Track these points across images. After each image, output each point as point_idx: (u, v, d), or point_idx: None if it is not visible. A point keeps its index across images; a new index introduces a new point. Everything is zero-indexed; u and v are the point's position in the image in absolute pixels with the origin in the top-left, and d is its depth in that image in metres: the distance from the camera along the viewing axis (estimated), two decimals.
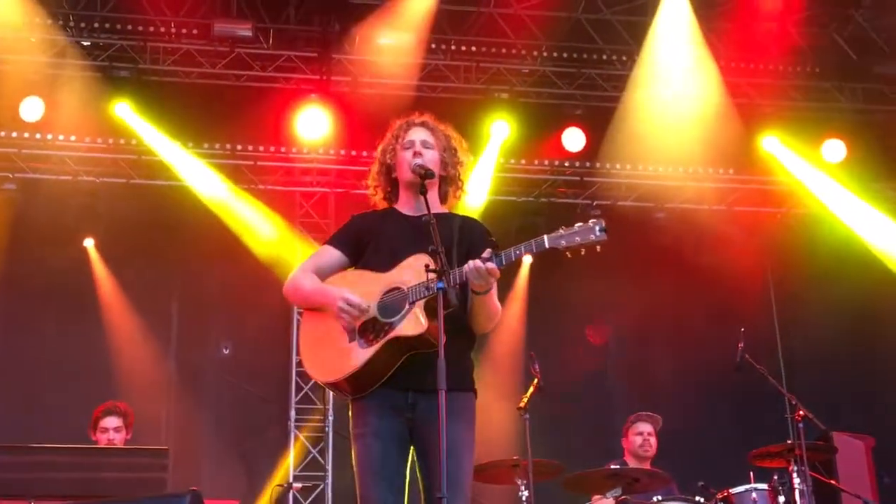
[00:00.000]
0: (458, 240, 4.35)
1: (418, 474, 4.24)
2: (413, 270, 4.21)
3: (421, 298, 4.16)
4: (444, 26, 10.11)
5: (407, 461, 4.25)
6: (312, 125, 10.10)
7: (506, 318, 10.62)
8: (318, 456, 10.34)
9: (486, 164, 10.52)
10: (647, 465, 7.99)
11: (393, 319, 4.21)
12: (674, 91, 10.33)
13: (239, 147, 10.42)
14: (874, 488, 8.93)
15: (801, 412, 7.12)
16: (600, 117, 10.57)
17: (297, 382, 10.44)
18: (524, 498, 6.95)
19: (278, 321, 10.43)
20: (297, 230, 10.73)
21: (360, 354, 4.21)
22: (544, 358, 7.29)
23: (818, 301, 11.04)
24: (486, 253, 4.11)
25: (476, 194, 10.48)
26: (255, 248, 10.36)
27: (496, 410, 8.24)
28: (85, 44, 9.83)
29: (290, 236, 10.67)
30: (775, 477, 7.18)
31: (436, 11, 9.72)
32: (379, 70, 10.12)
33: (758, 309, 11.24)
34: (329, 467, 10.29)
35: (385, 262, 4.35)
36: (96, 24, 9.80)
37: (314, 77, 10.19)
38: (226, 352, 10.66)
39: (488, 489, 8.81)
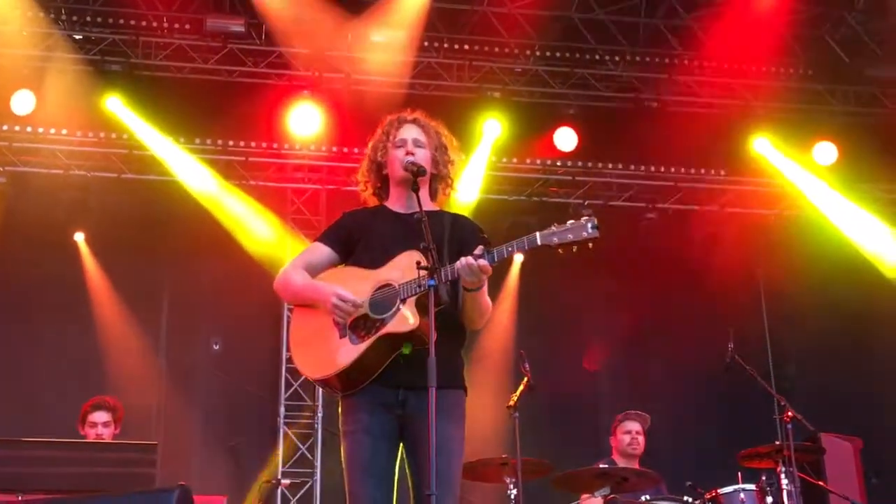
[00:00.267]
0: (449, 237, 4.35)
1: (407, 471, 4.24)
2: (405, 267, 4.21)
3: (412, 295, 4.16)
4: (437, 24, 10.10)
5: (396, 458, 4.25)
6: (304, 122, 10.10)
7: (496, 317, 10.63)
8: (306, 453, 10.34)
9: (478, 163, 10.52)
10: (635, 464, 8.00)
11: (384, 316, 4.21)
12: None
13: (231, 143, 10.41)
14: (862, 489, 8.96)
15: (789, 413, 7.14)
16: (592, 117, 10.59)
17: (286, 379, 10.44)
18: (513, 496, 6.95)
19: (269, 318, 10.43)
20: (288, 226, 10.72)
21: (351, 351, 4.21)
22: (534, 357, 7.29)
23: (808, 302, 11.07)
24: (478, 250, 4.11)
25: (468, 193, 10.49)
26: (246, 244, 10.34)
27: (486, 409, 8.23)
28: (77, 37, 9.81)
29: (281, 232, 10.66)
30: (763, 478, 7.19)
31: (429, 9, 9.72)
32: (371, 67, 10.11)
33: (748, 310, 11.27)
34: (318, 464, 10.29)
35: (376, 260, 4.35)
36: (88, 18, 9.77)
37: (307, 73, 10.19)
38: (216, 347, 10.65)
39: (477, 487, 8.81)
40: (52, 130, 9.98)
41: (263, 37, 10.02)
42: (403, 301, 4.19)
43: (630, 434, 8.13)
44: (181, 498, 4.04)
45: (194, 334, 10.70)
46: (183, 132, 10.16)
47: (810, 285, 10.89)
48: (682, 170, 11.05)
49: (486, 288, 4.26)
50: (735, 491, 7.10)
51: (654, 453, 8.35)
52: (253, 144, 10.46)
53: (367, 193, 4.69)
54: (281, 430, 10.37)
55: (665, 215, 11.27)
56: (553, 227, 4.12)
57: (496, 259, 4.12)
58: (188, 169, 10.27)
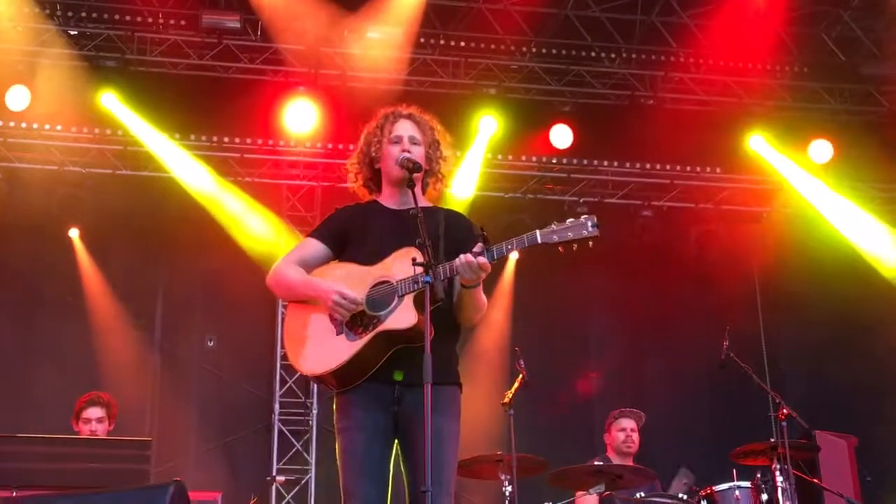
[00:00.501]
0: (443, 233, 4.34)
1: (402, 467, 4.24)
2: (401, 264, 4.20)
3: (410, 292, 4.15)
4: (433, 21, 10.09)
5: (391, 455, 4.24)
6: (300, 118, 10.09)
7: (491, 314, 10.63)
8: (301, 449, 10.34)
9: (474, 160, 10.52)
10: (629, 462, 8.01)
11: (381, 313, 4.20)
12: None
13: (226, 139, 10.38)
14: (857, 487, 8.97)
15: (784, 410, 7.16)
16: (588, 114, 10.60)
17: (281, 375, 10.42)
18: (508, 493, 6.95)
19: (263, 314, 10.42)
20: (283, 223, 10.70)
21: (348, 347, 4.20)
22: (529, 354, 7.29)
23: (803, 300, 11.08)
24: (478, 247, 4.10)
25: (463, 190, 10.48)
26: (241, 240, 10.32)
27: (481, 406, 8.24)
28: (72, 33, 9.78)
29: (276, 229, 10.64)
30: (758, 475, 7.21)
31: (425, 6, 9.71)
32: (367, 64, 10.09)
33: (743, 307, 11.27)
34: (312, 461, 10.28)
35: (371, 256, 4.34)
36: (83, 14, 9.74)
37: (302, 70, 10.18)
38: (210, 344, 10.64)
39: (472, 484, 8.83)
40: (47, 126, 9.95)
41: (259, 33, 10.00)
42: (401, 297, 4.18)
43: (625, 432, 8.14)
44: (176, 494, 4.05)
45: (189, 331, 10.68)
46: (178, 128, 10.14)
47: (806, 283, 10.90)
48: (678, 167, 11.05)
49: (482, 285, 4.25)
50: (730, 488, 7.11)
51: (649, 450, 8.36)
52: (248, 141, 10.43)
53: (356, 185, 4.67)
54: (276, 427, 10.36)
55: (660, 213, 11.26)
56: (553, 226, 4.11)
57: (495, 257, 4.11)
58: (183, 165, 10.24)
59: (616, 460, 7.95)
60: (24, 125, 9.88)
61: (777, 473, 7.10)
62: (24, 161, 10.17)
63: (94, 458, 5.76)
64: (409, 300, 4.15)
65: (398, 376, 4.19)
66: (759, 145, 10.86)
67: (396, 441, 4.26)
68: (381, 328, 4.18)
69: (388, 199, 4.55)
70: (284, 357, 10.05)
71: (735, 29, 10.10)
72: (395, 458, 4.27)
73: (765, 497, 7.05)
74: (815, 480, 8.04)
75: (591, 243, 4.07)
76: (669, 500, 7.25)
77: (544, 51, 10.47)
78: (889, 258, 11.15)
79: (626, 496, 7.07)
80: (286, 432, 10.38)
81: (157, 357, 10.49)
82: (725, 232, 11.27)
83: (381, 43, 9.96)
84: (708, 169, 11.11)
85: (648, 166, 11.03)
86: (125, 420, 7.71)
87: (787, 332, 11.37)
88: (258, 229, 10.55)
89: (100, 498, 4.42)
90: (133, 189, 10.32)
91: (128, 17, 9.77)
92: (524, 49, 10.43)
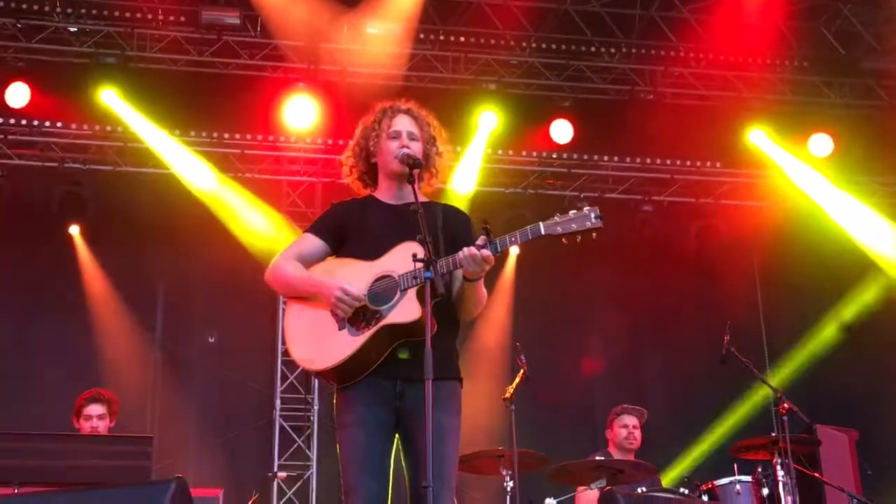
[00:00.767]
0: (442, 228, 4.35)
1: (403, 463, 4.24)
2: (401, 259, 4.19)
3: (412, 286, 4.15)
4: (432, 16, 10.09)
5: (392, 450, 4.24)
6: (300, 114, 10.08)
7: (492, 309, 10.64)
8: (302, 445, 10.34)
9: (474, 156, 10.51)
10: (631, 458, 8.01)
11: (384, 307, 4.20)
12: None
13: (226, 135, 10.38)
14: (857, 481, 8.98)
15: (785, 405, 7.15)
16: (588, 109, 10.59)
17: (282, 371, 10.44)
18: (509, 488, 6.96)
19: (264, 310, 10.41)
20: (284, 219, 10.70)
21: (351, 342, 4.19)
22: (530, 349, 7.30)
23: (804, 294, 11.08)
24: (481, 240, 4.11)
25: (464, 186, 10.48)
26: (241, 236, 10.32)
27: (482, 401, 8.25)
28: (72, 29, 9.78)
29: (276, 225, 10.64)
30: (759, 469, 7.21)
31: (424, 1, 9.70)
32: (367, 59, 10.09)
33: (744, 302, 11.27)
34: (314, 456, 10.29)
35: (370, 251, 4.33)
36: (83, 10, 9.74)
37: (302, 66, 10.17)
38: (211, 340, 10.64)
39: (473, 479, 8.83)
40: (48, 123, 9.96)
41: (258, 29, 10.00)
42: (404, 291, 4.17)
43: (627, 428, 8.12)
44: (178, 490, 4.04)
45: (189, 327, 10.69)
46: (178, 125, 10.13)
47: (806, 277, 10.90)
48: (678, 162, 11.05)
49: (482, 279, 4.25)
50: (731, 483, 7.12)
51: (650, 445, 8.36)
52: (248, 137, 10.43)
53: (350, 178, 4.66)
54: (277, 423, 10.37)
55: (661, 207, 11.26)
56: (556, 218, 4.12)
57: (499, 249, 4.12)
58: (183, 162, 10.24)
59: (617, 456, 7.94)
60: (24, 122, 9.88)
61: (778, 468, 7.11)
62: (24, 158, 10.19)
63: (95, 454, 5.76)
64: (412, 294, 4.15)
65: (403, 355, 4.17)
66: (760, 139, 10.86)
67: (397, 436, 4.26)
68: (384, 322, 4.17)
69: (385, 193, 4.55)
70: (285, 353, 10.04)
71: (735, 23, 10.10)
72: (395, 453, 4.27)
73: (766, 491, 7.06)
74: (816, 474, 8.05)
75: (594, 235, 4.08)
76: (671, 496, 7.25)
77: (544, 46, 10.47)
78: (890, 252, 11.15)
79: (628, 491, 7.06)
80: (287, 428, 10.38)
81: (158, 353, 10.50)
82: (726, 226, 11.27)
83: (380, 38, 9.95)
84: (708, 163, 11.11)
85: (649, 161, 11.04)
86: (126, 417, 7.71)
87: (788, 326, 11.36)
88: (259, 225, 10.55)
89: (101, 494, 4.42)
90: (133, 186, 10.32)
91: (127, 14, 9.78)
92: (524, 44, 10.43)
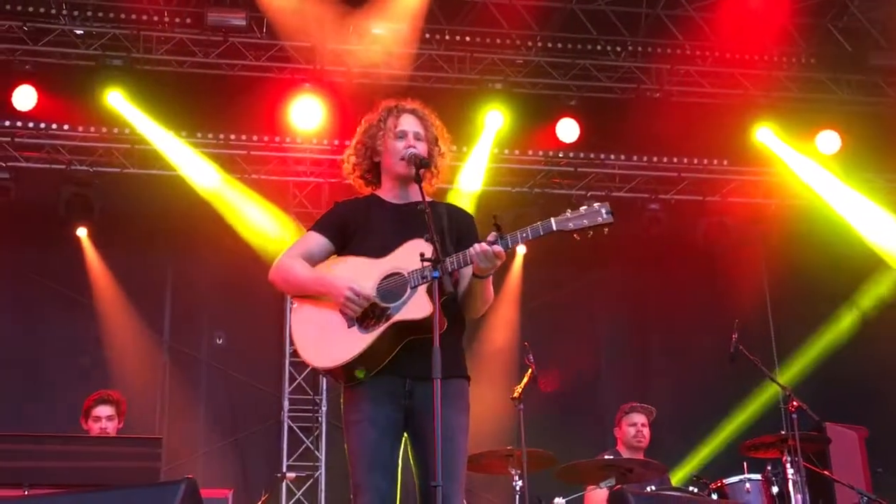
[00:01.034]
0: (448, 227, 4.35)
1: (412, 461, 4.24)
2: (410, 256, 4.18)
3: (422, 284, 4.14)
4: (438, 16, 10.09)
5: (400, 448, 4.24)
6: (306, 115, 10.08)
7: (500, 308, 10.65)
8: (311, 446, 10.35)
9: (480, 155, 10.51)
10: (640, 456, 8.00)
11: (394, 304, 4.19)
12: None
13: (232, 137, 10.39)
14: (867, 478, 8.96)
15: (794, 403, 7.14)
16: (595, 108, 10.58)
17: (290, 372, 10.44)
18: (518, 488, 6.96)
19: (272, 311, 10.43)
20: (291, 220, 10.71)
21: (361, 340, 4.18)
22: (538, 349, 7.29)
23: (812, 292, 11.06)
24: (492, 236, 4.10)
25: (470, 185, 10.48)
26: (248, 238, 10.33)
27: (490, 401, 8.24)
28: (78, 32, 9.80)
29: (283, 226, 10.65)
30: (769, 467, 7.21)
31: (429, 1, 9.70)
32: (373, 60, 10.08)
33: (752, 299, 11.26)
34: (322, 457, 10.30)
35: (376, 249, 4.33)
36: (89, 13, 9.76)
37: (308, 67, 10.18)
38: (219, 342, 10.66)
39: (482, 479, 8.83)
40: (54, 126, 9.99)
41: (264, 30, 10.01)
42: (414, 289, 4.17)
43: (636, 427, 8.11)
44: (188, 491, 4.05)
45: (198, 328, 10.71)
46: (185, 126, 10.15)
47: (814, 274, 10.88)
48: (685, 160, 11.04)
49: (490, 277, 4.25)
50: (741, 481, 7.11)
51: (659, 443, 8.35)
52: (255, 138, 10.45)
53: (353, 177, 4.64)
54: (285, 424, 10.38)
55: (668, 206, 11.24)
56: (568, 213, 4.14)
57: (510, 244, 4.12)
58: (190, 163, 10.26)
59: (626, 454, 7.94)
60: (31, 124, 9.91)
61: (788, 466, 7.09)
62: (31, 161, 10.20)
63: (105, 456, 5.78)
64: (422, 290, 4.14)
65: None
66: (767, 137, 10.84)
67: (405, 434, 4.25)
68: (395, 319, 4.17)
69: (388, 193, 4.54)
70: (293, 354, 10.11)
71: (741, 21, 10.08)
72: (403, 451, 4.27)
73: (775, 489, 7.05)
74: (826, 472, 8.03)
75: (606, 230, 4.08)
76: (680, 494, 7.24)
77: (550, 45, 10.46)
78: None
79: (637, 490, 7.05)
80: (296, 429, 10.39)
81: (167, 355, 10.52)
82: (733, 224, 11.24)
83: (386, 39, 9.95)
84: (715, 161, 11.10)
85: (655, 159, 11.03)
86: (135, 418, 7.73)
87: (797, 324, 11.34)
88: (266, 226, 10.56)
89: (111, 496, 4.43)
90: (140, 187, 10.34)
91: (133, 16, 9.79)
92: (530, 43, 10.42)
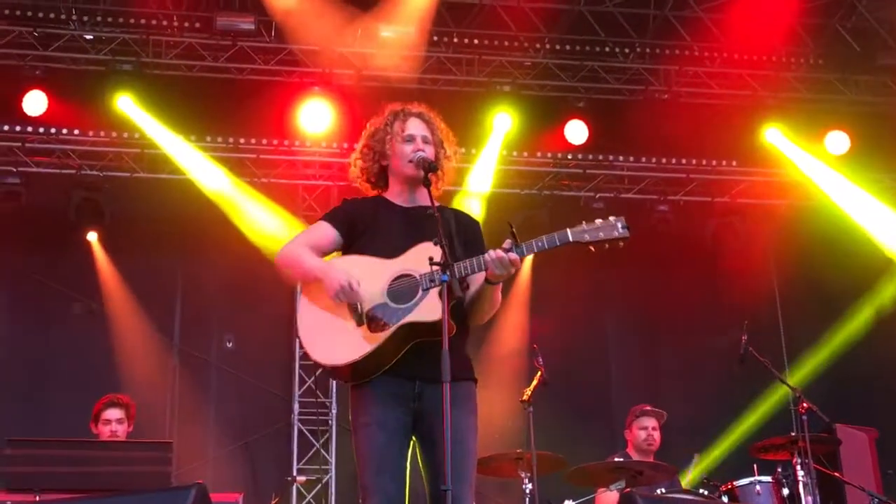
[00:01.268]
0: (455, 232, 4.35)
1: (420, 463, 4.24)
2: (420, 259, 4.17)
3: (433, 287, 4.15)
4: (446, 19, 10.10)
5: (408, 450, 4.24)
6: (315, 118, 10.11)
7: (510, 311, 10.64)
8: (321, 449, 10.36)
9: (489, 157, 10.52)
10: (650, 459, 7.99)
11: (406, 305, 4.19)
12: None
13: (242, 140, 10.43)
14: (878, 480, 8.94)
15: (804, 404, 7.13)
16: (603, 109, 10.58)
17: (300, 375, 10.46)
18: (528, 491, 6.96)
19: (281, 315, 10.42)
20: (300, 223, 10.72)
21: (370, 339, 4.18)
22: (547, 351, 7.29)
23: (822, 293, 11.03)
24: (507, 243, 4.12)
25: (479, 187, 10.49)
26: (258, 241, 10.34)
27: (500, 403, 8.25)
28: (88, 37, 9.83)
29: (293, 229, 10.65)
30: (779, 469, 7.20)
31: (437, 4, 9.71)
32: (381, 63, 10.10)
33: (761, 301, 11.24)
34: (332, 460, 10.30)
35: (386, 251, 4.33)
36: (99, 18, 9.79)
37: (316, 70, 10.20)
38: (229, 345, 10.68)
39: (492, 482, 8.83)
40: (65, 131, 10.03)
41: (273, 34, 10.03)
42: (426, 291, 4.17)
43: (646, 430, 8.08)
44: (198, 495, 4.06)
45: (207, 332, 10.73)
46: (194, 130, 10.18)
47: (824, 275, 10.85)
48: (694, 161, 11.03)
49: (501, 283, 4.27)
50: (751, 483, 7.11)
51: (669, 446, 8.33)
52: (264, 142, 10.48)
53: (360, 180, 4.65)
54: (295, 427, 10.39)
55: (677, 207, 11.23)
56: (584, 225, 4.19)
57: (525, 253, 4.15)
58: (200, 167, 10.28)
59: (636, 457, 7.93)
60: (41, 130, 9.95)
61: (798, 467, 7.08)
62: (41, 165, 10.25)
63: (115, 460, 5.79)
64: (434, 293, 4.13)
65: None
66: (776, 138, 10.83)
67: (413, 436, 4.26)
68: (406, 320, 4.17)
69: (396, 196, 4.55)
70: (303, 357, 10.12)
71: (749, 21, 10.06)
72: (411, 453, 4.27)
73: (786, 491, 7.04)
74: (836, 474, 8.02)
75: (621, 244, 4.14)
76: (690, 497, 7.23)
77: (558, 47, 10.47)
78: None
79: (647, 492, 7.05)
80: (305, 432, 10.40)
81: (177, 359, 10.54)
82: (742, 225, 11.23)
83: (394, 42, 9.96)
84: (724, 162, 11.09)
85: (664, 161, 11.03)
86: (145, 422, 7.73)
87: (806, 325, 11.32)
88: (275, 230, 10.57)
89: (122, 500, 4.45)
90: (150, 192, 10.37)
91: (143, 21, 9.82)
92: (538, 45, 10.43)
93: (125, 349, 10.13)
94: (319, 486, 10.21)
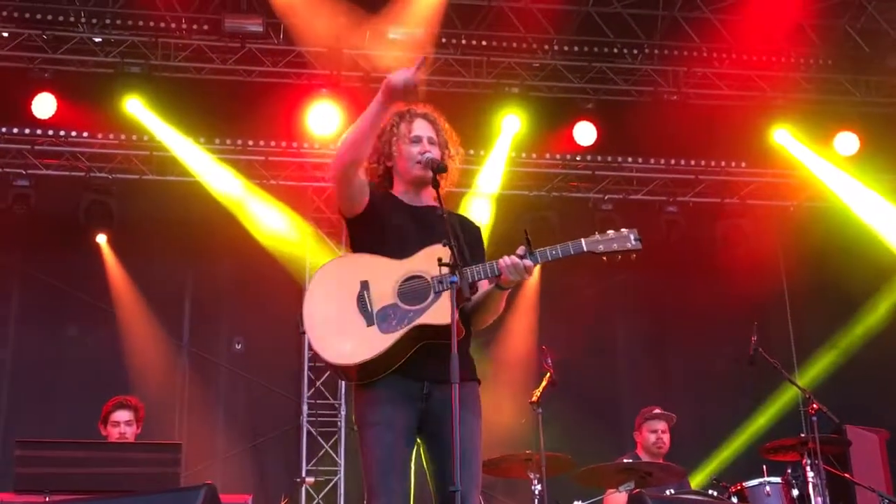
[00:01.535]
0: (460, 236, 4.35)
1: (426, 463, 4.25)
2: (430, 261, 4.18)
3: (445, 289, 4.15)
4: (454, 20, 10.10)
5: (413, 450, 4.24)
6: (324, 120, 10.10)
7: (518, 313, 10.63)
8: (330, 451, 10.36)
9: (498, 159, 10.52)
10: (659, 460, 7.97)
11: (418, 307, 4.19)
12: None
13: (251, 142, 10.44)
14: (888, 481, 8.91)
15: (814, 405, 7.12)
16: (611, 111, 10.57)
17: (309, 377, 10.47)
18: (537, 492, 6.96)
19: (291, 316, 10.40)
20: (309, 225, 10.73)
21: (382, 339, 4.16)
22: (556, 352, 7.28)
23: (831, 294, 11.01)
24: (521, 250, 4.16)
25: (487, 189, 10.48)
26: (267, 243, 10.36)
27: (508, 405, 8.24)
28: (96, 40, 9.86)
29: (302, 231, 10.68)
30: (789, 470, 7.18)
31: (445, 6, 9.71)
32: (389, 65, 10.09)
33: (771, 302, 11.23)
34: (342, 461, 10.31)
35: (395, 250, 4.32)
36: (107, 20, 9.82)
37: (325, 72, 10.21)
38: (238, 347, 10.69)
39: (501, 483, 8.83)
40: (74, 133, 10.06)
41: (281, 36, 10.05)
42: (438, 294, 4.18)
43: (656, 433, 8.06)
44: (208, 497, 4.06)
45: (216, 334, 10.74)
46: (203, 133, 10.20)
47: (833, 276, 10.83)
48: (703, 162, 11.02)
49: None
50: (760, 484, 7.08)
51: (678, 447, 8.32)
52: (273, 144, 10.49)
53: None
54: (304, 429, 10.40)
55: (686, 208, 11.21)
56: (597, 236, 4.28)
57: (539, 260, 4.20)
58: (209, 169, 10.30)
59: (645, 459, 7.92)
60: (50, 132, 9.98)
61: (808, 469, 7.06)
62: (51, 168, 10.27)
63: (124, 462, 5.80)
64: (446, 296, 4.13)
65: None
66: (785, 139, 10.81)
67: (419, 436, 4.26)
68: (418, 322, 4.17)
69: (402, 196, 4.54)
70: (312, 359, 10.15)
71: (758, 22, 10.05)
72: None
73: (796, 492, 7.02)
74: (846, 475, 8.00)
75: (633, 256, 4.25)
76: (699, 498, 7.22)
77: (566, 48, 10.46)
78: None
79: (656, 493, 7.03)
80: (314, 433, 10.41)
81: (186, 360, 10.55)
82: (751, 226, 11.21)
83: (402, 44, 9.97)
84: (733, 163, 11.08)
85: (673, 162, 11.01)
86: (154, 423, 7.74)
87: (816, 326, 11.29)
88: (284, 231, 10.59)
89: (131, 501, 4.45)
90: (159, 194, 10.38)
91: (151, 24, 9.85)
92: (546, 47, 10.42)
93: (134, 351, 10.15)
94: (329, 487, 10.22)
